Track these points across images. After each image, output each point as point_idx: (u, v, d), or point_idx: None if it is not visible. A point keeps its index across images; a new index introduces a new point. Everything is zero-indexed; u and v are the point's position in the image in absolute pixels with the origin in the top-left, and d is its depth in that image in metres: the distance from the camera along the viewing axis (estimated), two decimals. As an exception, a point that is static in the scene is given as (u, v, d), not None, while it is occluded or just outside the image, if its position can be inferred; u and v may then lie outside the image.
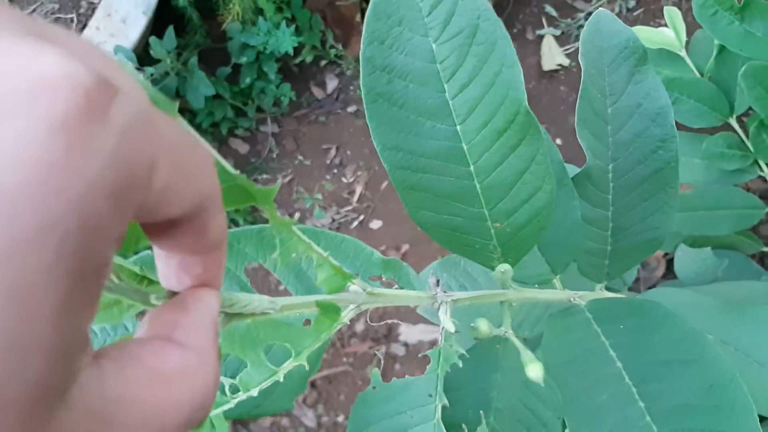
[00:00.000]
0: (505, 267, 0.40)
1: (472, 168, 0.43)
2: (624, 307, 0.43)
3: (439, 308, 0.37)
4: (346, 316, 0.31)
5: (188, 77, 1.64)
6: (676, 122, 0.55)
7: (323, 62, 1.82)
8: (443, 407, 0.35)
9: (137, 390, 0.18)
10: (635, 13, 1.77)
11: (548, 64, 1.74)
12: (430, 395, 0.34)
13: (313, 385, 1.61)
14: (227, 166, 0.25)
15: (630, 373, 0.38)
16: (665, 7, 1.11)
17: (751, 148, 1.09)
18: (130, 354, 0.19)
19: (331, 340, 1.64)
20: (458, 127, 0.44)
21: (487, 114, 0.43)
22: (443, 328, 0.35)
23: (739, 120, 1.10)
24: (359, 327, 1.64)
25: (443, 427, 0.33)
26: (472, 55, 0.43)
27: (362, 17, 1.74)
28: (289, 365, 0.28)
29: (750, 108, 1.03)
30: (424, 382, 0.36)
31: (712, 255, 1.07)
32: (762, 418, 0.39)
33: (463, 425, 0.30)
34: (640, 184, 0.53)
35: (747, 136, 1.09)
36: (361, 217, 1.72)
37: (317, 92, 1.82)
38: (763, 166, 1.10)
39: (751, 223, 1.11)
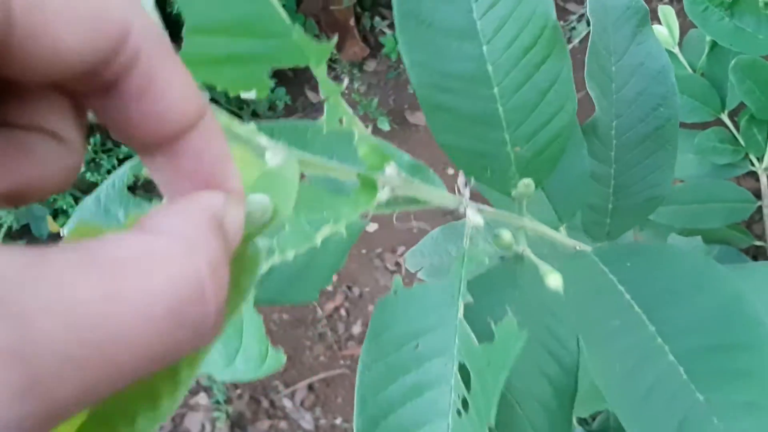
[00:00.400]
0: (527, 180, 0.40)
1: (495, 90, 0.44)
2: (629, 250, 0.45)
3: (465, 210, 0.38)
4: (383, 196, 0.32)
5: (185, 81, 1.65)
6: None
7: (318, 67, 1.84)
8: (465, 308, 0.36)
9: (71, 276, 0.14)
10: (625, 20, 1.80)
11: (542, 68, 1.77)
12: (453, 296, 0.35)
13: (310, 388, 1.60)
14: (285, 15, 0.25)
15: (640, 303, 0.39)
16: (659, 6, 1.14)
17: (742, 143, 1.11)
18: (77, 245, 0.15)
19: (329, 341, 1.64)
20: (484, 48, 0.44)
21: (514, 31, 0.43)
22: (470, 227, 0.36)
23: (730, 115, 1.12)
24: (356, 329, 1.64)
25: (466, 325, 0.34)
26: None
27: (356, 21, 1.76)
28: (326, 231, 0.29)
29: (741, 104, 1.06)
30: (446, 285, 0.36)
31: (702, 243, 1.09)
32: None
33: (489, 318, 0.31)
34: (642, 142, 0.55)
35: (738, 131, 1.11)
36: (357, 221, 1.73)
37: (312, 96, 1.84)
38: (754, 161, 1.12)
39: (742, 217, 1.13)
